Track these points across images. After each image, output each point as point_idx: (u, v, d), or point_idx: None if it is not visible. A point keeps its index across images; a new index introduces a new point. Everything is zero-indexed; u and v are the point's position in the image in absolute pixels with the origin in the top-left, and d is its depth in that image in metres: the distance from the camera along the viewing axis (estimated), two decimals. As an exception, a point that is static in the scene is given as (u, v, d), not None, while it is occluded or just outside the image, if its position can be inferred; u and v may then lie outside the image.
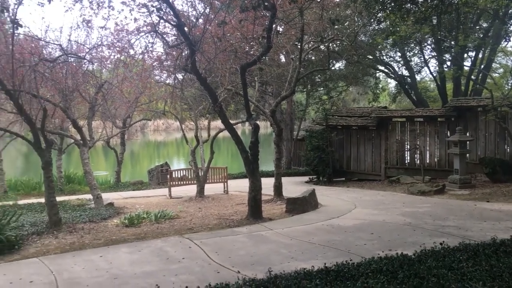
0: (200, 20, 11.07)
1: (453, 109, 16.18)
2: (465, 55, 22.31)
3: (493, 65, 24.96)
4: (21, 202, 14.34)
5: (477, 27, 22.10)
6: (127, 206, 12.88)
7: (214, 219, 10.56)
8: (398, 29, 18.01)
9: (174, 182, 15.96)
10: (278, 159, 13.63)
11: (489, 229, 8.28)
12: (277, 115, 16.25)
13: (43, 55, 11.72)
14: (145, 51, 12.24)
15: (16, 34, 9.74)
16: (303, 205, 10.96)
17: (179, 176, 16.57)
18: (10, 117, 17.99)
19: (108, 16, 11.90)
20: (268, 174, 18.82)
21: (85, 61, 12.74)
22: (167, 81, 17.41)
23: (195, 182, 15.33)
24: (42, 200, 14.28)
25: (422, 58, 25.44)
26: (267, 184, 12.78)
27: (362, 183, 17.18)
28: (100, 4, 9.27)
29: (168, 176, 16.34)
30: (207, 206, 12.74)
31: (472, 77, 22.16)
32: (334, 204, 11.98)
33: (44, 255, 7.56)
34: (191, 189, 15.59)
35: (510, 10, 19.40)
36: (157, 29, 10.42)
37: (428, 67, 25.87)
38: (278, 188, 13.20)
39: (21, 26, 5.50)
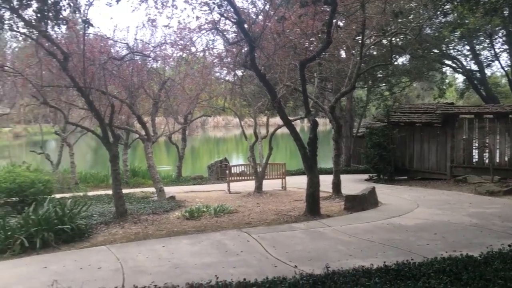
0: (260, 17, 11.14)
1: (527, 105, 15.18)
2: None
3: None
4: (90, 193, 15.15)
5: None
6: (187, 200, 13.25)
7: (272, 214, 10.63)
8: (466, 21, 17.16)
9: (232, 178, 16.20)
10: (337, 156, 13.45)
11: None
12: (336, 111, 16.04)
13: (111, 54, 12.31)
14: (206, 48, 12.53)
15: (86, 34, 10.31)
16: (362, 203, 10.76)
17: (237, 171, 16.82)
18: (81, 113, 19.09)
19: (172, 15, 12.37)
20: (326, 171, 18.62)
21: (149, 59, 13.24)
22: (227, 78, 17.72)
23: (253, 177, 15.48)
24: (110, 192, 15.03)
25: (492, 52, 24.06)
26: (325, 181, 12.65)
27: (426, 182, 16.56)
28: (164, 3, 9.59)
29: (227, 171, 16.62)
30: (265, 202, 12.84)
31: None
32: (395, 203, 11.66)
33: (111, 243, 7.96)
34: (249, 185, 15.76)
35: None
36: (217, 26, 10.62)
37: (499, 61, 24.47)
38: (336, 185, 13.04)
39: (92, 25, 5.84)
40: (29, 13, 7.92)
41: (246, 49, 10.91)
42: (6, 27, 6.47)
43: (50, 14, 5.44)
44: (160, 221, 10.00)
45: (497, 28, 20.88)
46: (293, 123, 11.24)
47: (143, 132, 13.95)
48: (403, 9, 13.30)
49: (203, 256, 6.92)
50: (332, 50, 13.43)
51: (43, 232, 7.76)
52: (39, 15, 5.29)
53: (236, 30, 12.13)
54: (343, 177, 13.56)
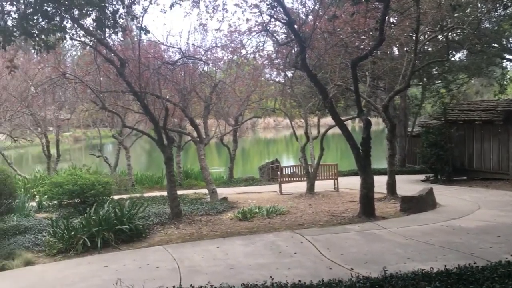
0: (310, 17, 11.07)
1: None
2: None
3: None
4: (146, 195, 15.62)
5: None
6: (239, 201, 13.35)
7: (324, 215, 10.50)
8: (529, 12, 16.18)
9: (284, 179, 16.17)
10: (391, 156, 13.09)
11: None
12: (390, 110, 15.62)
13: (164, 59, 12.66)
14: (256, 50, 12.61)
15: (141, 40, 10.65)
16: (419, 204, 10.41)
17: (289, 172, 16.76)
18: (136, 117, 19.76)
19: (223, 19, 12.50)
20: (380, 172, 18.17)
21: (201, 62, 13.49)
22: (277, 79, 17.73)
23: (305, 178, 15.37)
24: (164, 193, 15.44)
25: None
26: (379, 182, 12.34)
27: (487, 182, 15.79)
28: (215, 8, 9.74)
29: (279, 172, 16.61)
30: (318, 203, 12.71)
31: None
32: (454, 204, 11.19)
33: (167, 243, 8.16)
34: (301, 186, 15.67)
35: None
36: (267, 28, 10.66)
37: None
38: (391, 186, 12.69)
39: (149, 32, 6.04)
40: (87, 22, 8.34)
41: (296, 49, 10.88)
42: (67, 36, 6.79)
43: (109, 23, 5.66)
44: (214, 222, 10.14)
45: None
46: (344, 123, 11.06)
47: (195, 135, 14.22)
48: (460, 2, 12.74)
49: (257, 257, 6.95)
50: (384, 48, 13.08)
51: (104, 232, 8.08)
52: (98, 23, 5.52)
53: (285, 31, 12.13)
54: (398, 178, 13.18)
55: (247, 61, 14.97)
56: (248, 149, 45.04)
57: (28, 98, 16.11)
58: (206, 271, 6.28)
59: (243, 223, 9.92)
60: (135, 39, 10.92)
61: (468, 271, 5.28)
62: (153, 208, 11.75)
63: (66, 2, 5.07)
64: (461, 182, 16.62)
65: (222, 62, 14.71)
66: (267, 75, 17.69)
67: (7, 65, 6.44)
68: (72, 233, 7.99)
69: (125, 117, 18.73)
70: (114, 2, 6.21)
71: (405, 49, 14.22)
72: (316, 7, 10.61)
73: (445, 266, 5.54)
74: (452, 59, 22.85)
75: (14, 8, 5.24)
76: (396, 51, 18.37)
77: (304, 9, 12.34)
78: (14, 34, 5.27)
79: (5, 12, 5.09)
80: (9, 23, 5.38)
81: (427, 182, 17.01)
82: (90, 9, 5.30)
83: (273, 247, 7.50)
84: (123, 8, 5.90)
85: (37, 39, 5.37)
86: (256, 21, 11.53)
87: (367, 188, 9.90)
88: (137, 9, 10.57)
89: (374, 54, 11.21)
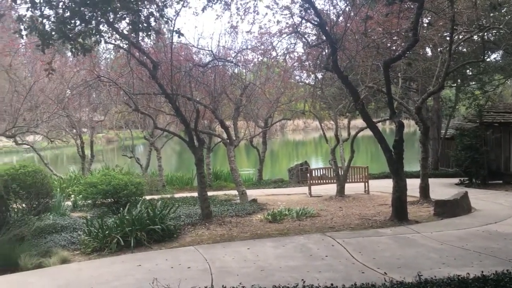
0: (340, 18, 10.99)
1: None
2: None
3: None
4: (176, 195, 15.80)
5: None
6: (269, 203, 13.34)
7: (355, 219, 10.38)
8: None
9: (313, 181, 16.07)
10: (424, 159, 12.83)
11: None
12: (423, 112, 15.27)
13: (195, 61, 12.80)
14: (287, 52, 12.60)
15: (173, 43, 10.80)
16: (453, 208, 10.15)
17: (318, 175, 16.64)
18: (167, 119, 20.03)
19: (254, 21, 12.54)
20: (412, 175, 17.84)
21: (231, 64, 13.58)
22: (307, 81, 17.66)
23: (334, 181, 15.24)
24: (194, 194, 15.61)
25: None
26: (412, 185, 12.10)
27: (524, 187, 15.29)
28: (246, 10, 9.79)
29: (308, 174, 16.52)
30: (348, 206, 12.57)
31: None
32: (490, 209, 10.87)
33: (198, 244, 8.23)
34: (330, 188, 15.54)
35: None
36: (298, 29, 10.63)
37: None
38: (424, 189, 12.43)
39: (182, 34, 6.12)
40: (122, 25, 8.52)
41: (327, 51, 10.81)
42: (102, 39, 6.95)
43: (143, 26, 5.76)
44: (244, 224, 10.17)
45: None
46: (375, 125, 10.90)
47: (225, 136, 14.30)
48: (501, 0, 12.36)
49: (288, 259, 6.92)
50: (417, 49, 12.85)
51: (137, 231, 8.22)
52: (133, 27, 5.63)
53: (316, 32, 12.08)
54: (431, 181, 12.91)
55: (277, 63, 14.98)
56: (277, 151, 45.00)
57: (64, 100, 16.56)
58: (237, 272, 6.30)
59: (273, 225, 9.91)
60: (167, 42, 11.07)
61: (506, 277, 5.13)
62: (183, 209, 11.87)
63: (102, 6, 5.19)
64: (496, 186, 16.15)
65: (252, 64, 14.77)
66: (297, 77, 17.65)
67: (46, 68, 6.65)
68: (107, 232, 8.16)
69: (157, 119, 19.02)
70: (148, 6, 6.33)
71: (439, 49, 13.91)
72: (347, 8, 10.53)
73: (482, 272, 5.39)
74: (488, 59, 22.24)
75: (53, 12, 5.41)
76: (429, 51, 18.00)
77: (334, 10, 12.31)
78: (53, 37, 5.43)
79: (44, 16, 5.25)
80: (47, 27, 5.56)
81: (461, 186, 16.60)
82: (125, 13, 5.41)
83: (304, 249, 7.46)
84: (157, 11, 6.01)
85: (74, 42, 5.52)
86: (287, 23, 11.54)
87: (400, 191, 9.73)
88: (169, 12, 10.78)
89: (407, 55, 11.02)
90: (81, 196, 12.12)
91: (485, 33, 14.49)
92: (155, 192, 16.94)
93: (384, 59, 10.62)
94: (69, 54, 19.93)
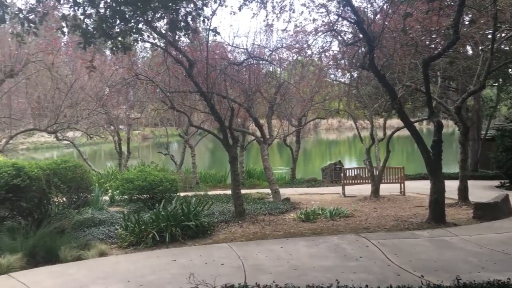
0: (378, 16, 10.81)
1: None
2: None
3: None
4: (210, 193, 15.96)
5: None
6: (302, 202, 13.29)
7: (391, 220, 10.19)
8: None
9: (347, 181, 15.89)
10: (463, 160, 12.46)
11: None
12: (462, 112, 14.83)
13: (230, 60, 12.87)
14: (322, 50, 12.50)
15: (209, 42, 10.90)
16: (494, 211, 9.83)
17: (352, 174, 16.44)
18: (201, 116, 20.25)
19: (289, 19, 12.48)
20: (450, 176, 17.36)
21: (265, 63, 13.57)
22: (342, 80, 17.47)
23: (369, 181, 15.02)
24: (227, 192, 15.73)
25: None
26: (450, 187, 11.77)
27: None
28: (282, 8, 9.76)
29: (342, 174, 16.35)
30: (383, 207, 12.36)
31: None
32: (533, 213, 10.45)
33: (232, 241, 8.28)
34: (364, 188, 15.33)
35: None
36: (334, 27, 10.52)
37: None
38: (463, 191, 12.08)
39: (218, 33, 6.16)
40: (159, 24, 8.66)
41: (363, 49, 10.66)
42: (141, 38, 7.08)
43: (181, 25, 5.84)
44: (277, 222, 10.16)
45: None
46: (413, 125, 10.66)
47: (259, 134, 14.32)
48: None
49: (321, 259, 6.88)
50: (458, 47, 12.48)
51: (172, 227, 8.35)
52: (171, 26, 5.71)
53: (352, 31, 11.92)
54: (469, 183, 12.53)
55: (312, 62, 14.87)
56: (310, 150, 44.75)
57: (103, 98, 17.00)
58: (270, 271, 6.31)
59: (306, 224, 9.86)
60: (203, 41, 11.17)
61: (551, 285, 4.93)
62: (217, 206, 11.98)
63: (142, 5, 5.28)
64: (540, 189, 15.51)
65: (287, 62, 14.72)
66: (332, 76, 17.49)
67: (87, 66, 6.84)
68: (143, 227, 8.33)
69: (191, 117, 19.26)
70: (185, 5, 6.40)
71: (480, 48, 13.47)
72: (385, 6, 10.34)
73: (525, 278, 5.20)
74: (532, 58, 21.36)
75: (94, 11, 5.56)
76: (470, 50, 17.46)
77: (372, 8, 12.11)
78: (94, 36, 5.58)
79: (87, 15, 5.40)
80: (89, 25, 5.71)
81: (502, 188, 16.04)
82: (164, 12, 5.50)
83: (338, 250, 7.39)
84: (195, 10, 6.07)
85: (114, 40, 5.65)
86: (323, 21, 11.45)
87: (438, 193, 9.49)
88: (206, 11, 10.87)
89: (447, 53, 10.72)
90: (118, 191, 12.39)
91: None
92: (188, 189, 17.17)
93: (422, 57, 10.38)
94: (108, 52, 20.49)
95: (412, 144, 41.33)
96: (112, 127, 21.35)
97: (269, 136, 14.84)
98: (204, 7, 6.19)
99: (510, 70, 21.92)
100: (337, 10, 9.68)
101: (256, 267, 6.51)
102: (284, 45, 13.76)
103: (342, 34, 12.09)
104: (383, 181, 14.96)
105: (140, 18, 6.03)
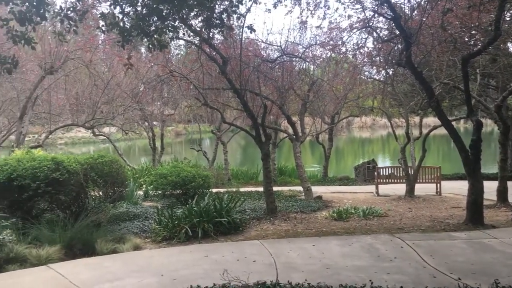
0: (415, 12, 10.55)
1: None
2: None
3: None
4: (241, 189, 16.02)
5: None
6: (334, 200, 13.17)
7: (426, 220, 9.97)
8: None
9: (381, 180, 15.65)
10: (503, 160, 12.05)
11: None
12: (503, 111, 14.31)
13: (263, 57, 12.87)
14: (357, 47, 12.32)
15: (242, 39, 10.92)
16: (535, 214, 9.46)
17: (386, 173, 16.18)
18: (234, 113, 20.36)
19: (324, 16, 12.37)
20: (488, 177, 16.77)
21: (299, 60, 13.49)
22: (377, 77, 17.18)
23: (403, 180, 14.74)
24: (259, 188, 15.76)
25: None
26: (488, 188, 11.37)
27: None
28: (317, 5, 9.67)
29: (375, 173, 16.11)
30: (418, 207, 12.10)
31: None
32: None
33: (263, 238, 8.30)
34: (398, 188, 15.05)
35: None
36: (370, 24, 10.35)
37: None
38: (502, 192, 11.69)
39: (254, 30, 6.19)
40: (193, 22, 8.74)
41: (399, 46, 10.44)
42: (176, 35, 7.16)
43: (216, 22, 5.88)
44: (309, 220, 10.11)
45: None
46: (451, 123, 10.37)
47: (291, 132, 14.27)
48: None
49: (354, 258, 6.79)
50: (499, 43, 12.05)
51: (204, 223, 8.43)
52: (207, 23, 5.76)
53: (388, 27, 11.69)
54: (509, 184, 12.10)
55: (346, 59, 14.68)
56: (342, 148, 44.29)
57: (138, 94, 17.33)
58: (302, 269, 6.28)
59: (338, 223, 9.77)
60: (237, 38, 11.21)
61: None
62: (248, 203, 12.02)
63: (178, 4, 5.34)
64: None
65: (320, 59, 14.58)
66: (366, 73, 17.21)
67: (125, 63, 7.00)
68: (176, 222, 8.45)
69: (224, 113, 19.39)
70: (219, 2, 6.44)
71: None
72: (423, 2, 10.09)
73: None
74: None
75: (132, 9, 5.66)
76: (511, 47, 16.85)
77: (409, 4, 11.84)
78: (132, 33, 5.68)
79: (125, 13, 5.51)
80: (127, 23, 5.82)
81: (544, 190, 15.42)
82: (200, 9, 5.54)
83: (371, 250, 7.28)
84: (230, 7, 6.10)
85: (151, 38, 5.74)
86: (358, 17, 11.27)
87: (476, 193, 9.21)
88: (240, 8, 10.84)
89: (487, 50, 10.38)
90: (152, 186, 12.62)
91: None
92: (220, 185, 17.30)
93: (461, 54, 10.08)
94: (143, 50, 20.85)
95: (448, 143, 40.27)
96: (146, 123, 21.75)
97: (301, 133, 14.76)
98: (239, 5, 6.18)
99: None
100: (373, 6, 9.52)
101: (288, 265, 6.49)
102: (318, 42, 13.64)
103: (377, 31, 11.89)
104: (418, 180, 14.65)
105: (176, 16, 6.10)
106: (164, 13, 5.40)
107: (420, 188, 14.58)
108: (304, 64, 14.46)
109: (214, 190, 13.77)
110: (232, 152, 37.17)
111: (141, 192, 13.56)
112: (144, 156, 31.87)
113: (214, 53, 10.61)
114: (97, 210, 9.08)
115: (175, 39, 7.32)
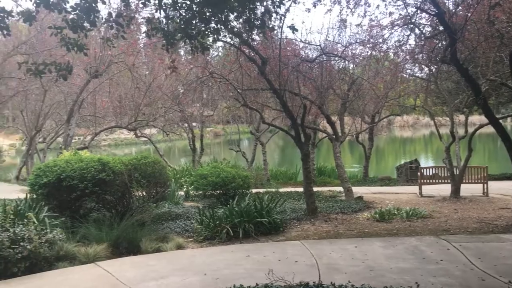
0: (459, 7, 10.23)
1: None
2: None
3: None
4: (281, 190, 15.98)
5: None
6: (375, 201, 12.93)
7: (473, 222, 9.64)
8: None
9: (424, 180, 15.23)
10: (555, 160, 11.48)
11: None
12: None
13: (302, 56, 12.81)
14: (398, 45, 12.07)
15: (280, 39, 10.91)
16: None
17: (430, 174, 15.73)
18: (272, 114, 20.37)
19: (364, 13, 12.20)
20: (538, 178, 16.13)
21: (338, 59, 13.34)
22: (419, 75, 16.76)
23: (448, 181, 14.29)
24: (298, 189, 15.69)
25: None
26: (539, 189, 10.96)
27: None
28: (357, 3, 9.54)
29: (419, 173, 15.70)
30: (464, 208, 11.72)
31: None
32: None
33: (304, 239, 8.27)
34: (443, 188, 14.61)
35: None
36: (413, 20, 10.11)
37: None
38: (555, 194, 11.15)
39: (296, 30, 6.13)
40: (233, 24, 8.80)
41: (443, 42, 10.16)
42: (218, 37, 7.25)
43: (257, 23, 5.91)
44: (350, 221, 9.99)
45: None
46: (499, 122, 9.99)
47: (331, 132, 14.13)
48: None
49: (398, 260, 6.66)
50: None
51: (245, 223, 8.49)
52: (248, 24, 5.80)
53: (431, 23, 11.39)
54: None
55: (387, 57, 14.41)
56: (383, 148, 43.46)
57: (179, 96, 17.66)
58: (345, 270, 6.22)
59: (380, 224, 9.60)
60: (275, 38, 11.22)
61: None
62: (288, 204, 11.98)
63: (221, 6, 5.41)
64: None
65: (360, 58, 14.37)
66: (408, 71, 16.81)
67: (169, 66, 7.16)
68: (217, 222, 8.55)
69: (262, 114, 19.44)
70: (258, 4, 6.46)
71: None
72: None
73: None
74: None
75: (175, 13, 5.78)
76: None
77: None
78: (175, 37, 5.80)
79: (169, 17, 5.63)
80: (171, 27, 5.95)
81: None
82: (242, 11, 5.59)
83: (416, 252, 7.12)
84: (273, 7, 6.14)
85: (194, 41, 5.84)
86: (400, 14, 11.04)
87: (526, 195, 8.83)
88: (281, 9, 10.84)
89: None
90: (192, 186, 12.80)
91: None
92: (259, 186, 17.34)
93: (509, 49, 9.69)
94: (182, 52, 21.19)
95: (494, 142, 38.75)
96: (186, 124, 22.09)
97: (341, 133, 14.61)
98: (283, 5, 6.20)
99: None
100: (416, 2, 9.29)
101: (330, 266, 6.44)
102: (358, 40, 13.45)
103: (420, 27, 11.61)
104: (463, 181, 14.17)
105: (217, 18, 6.17)
106: (206, 16, 5.49)
107: (466, 189, 14.09)
108: (344, 63, 14.30)
109: (254, 191, 13.79)
110: (270, 153, 37.16)
111: (182, 193, 13.78)
112: (184, 157, 32.41)
113: (253, 54, 10.66)
114: (141, 210, 9.31)
115: (217, 42, 7.40)
